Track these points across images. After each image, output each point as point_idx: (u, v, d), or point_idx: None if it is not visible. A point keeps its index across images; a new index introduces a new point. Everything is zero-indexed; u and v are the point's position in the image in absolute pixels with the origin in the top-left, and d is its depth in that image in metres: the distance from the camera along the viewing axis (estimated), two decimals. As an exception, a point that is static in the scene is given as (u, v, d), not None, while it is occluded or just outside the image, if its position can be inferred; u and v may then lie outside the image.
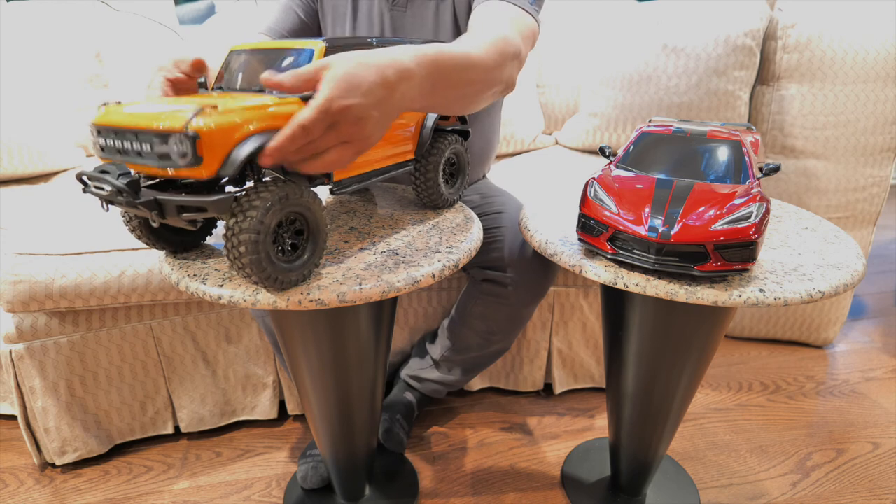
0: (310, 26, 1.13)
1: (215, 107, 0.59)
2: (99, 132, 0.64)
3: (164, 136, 0.58)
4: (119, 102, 0.68)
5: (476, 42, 0.76)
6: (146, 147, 0.59)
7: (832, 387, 1.48)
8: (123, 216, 0.74)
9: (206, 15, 2.11)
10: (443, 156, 0.88)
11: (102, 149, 0.64)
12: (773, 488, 1.17)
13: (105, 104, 0.67)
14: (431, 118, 0.86)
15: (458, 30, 1.09)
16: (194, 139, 0.57)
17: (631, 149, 0.84)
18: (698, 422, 1.36)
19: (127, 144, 0.61)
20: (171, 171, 0.59)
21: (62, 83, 1.56)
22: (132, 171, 0.63)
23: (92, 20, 1.59)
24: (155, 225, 0.69)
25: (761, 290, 0.68)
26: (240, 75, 0.75)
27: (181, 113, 0.58)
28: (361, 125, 0.60)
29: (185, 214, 0.61)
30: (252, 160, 0.67)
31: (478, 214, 1.08)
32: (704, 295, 0.68)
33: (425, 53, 0.66)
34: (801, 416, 1.38)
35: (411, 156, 0.87)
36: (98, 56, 1.59)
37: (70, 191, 1.40)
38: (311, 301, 0.66)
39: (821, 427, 1.34)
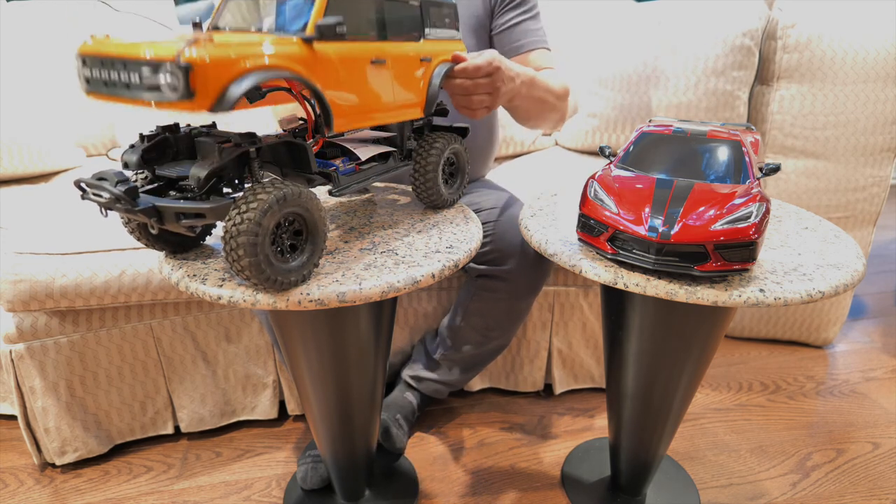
0: None
1: (210, 39, 0.55)
2: (84, 62, 0.60)
3: (155, 65, 0.54)
4: (107, 36, 0.64)
5: (556, 80, 1.11)
6: (134, 78, 0.56)
7: (832, 387, 1.48)
8: (122, 218, 0.74)
9: (206, 15, 2.11)
10: (442, 156, 0.88)
11: (87, 81, 0.61)
12: (773, 488, 1.17)
13: (92, 36, 0.63)
14: (437, 77, 0.85)
15: (461, 29, 1.11)
16: (186, 70, 0.53)
17: (631, 149, 0.84)
18: (698, 422, 1.36)
19: (114, 75, 0.58)
20: (154, 104, 0.56)
21: (62, 83, 1.56)
22: (130, 178, 0.63)
23: (92, 20, 1.59)
24: (154, 231, 0.69)
25: (761, 290, 0.68)
26: (237, 16, 0.72)
27: (174, 43, 0.55)
28: (500, 85, 0.90)
29: (183, 220, 0.61)
30: (246, 159, 0.66)
31: (472, 210, 1.09)
32: (704, 295, 0.68)
33: (528, 72, 1.00)
34: (801, 416, 1.38)
35: (420, 114, 0.85)
36: (98, 56, 1.59)
37: (70, 191, 1.40)
38: (311, 301, 0.66)
39: (821, 427, 1.34)
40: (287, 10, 0.68)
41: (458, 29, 0.91)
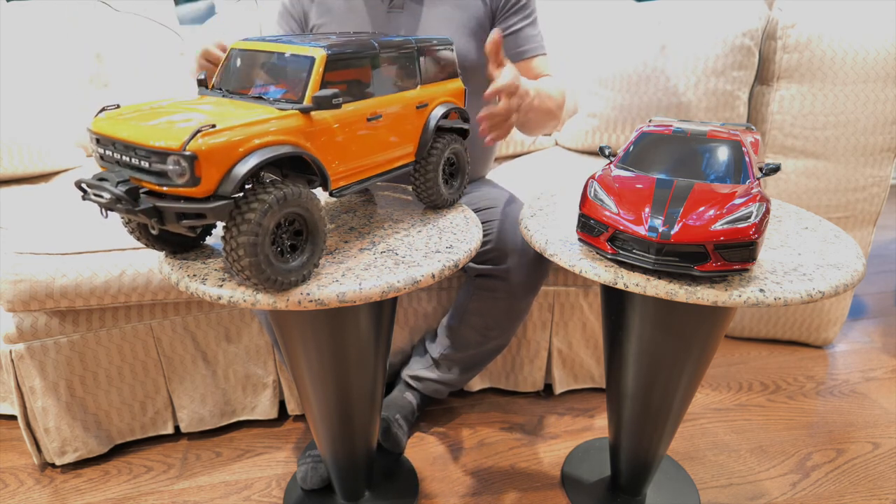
0: None
1: (213, 125, 0.59)
2: (98, 141, 0.64)
3: (162, 154, 0.58)
4: (118, 106, 0.68)
5: (555, 88, 1.14)
6: (144, 163, 0.60)
7: (832, 387, 1.48)
8: (122, 218, 0.74)
9: (207, 15, 2.11)
10: (442, 156, 0.88)
11: (102, 157, 0.65)
12: (773, 488, 1.17)
13: (104, 109, 0.67)
14: (434, 119, 0.86)
15: (461, 32, 1.11)
16: (192, 160, 0.57)
17: (631, 149, 0.85)
18: (698, 422, 1.36)
19: (126, 158, 0.61)
20: (167, 189, 0.60)
21: (62, 83, 1.56)
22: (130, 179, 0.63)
23: (92, 20, 1.59)
24: (154, 232, 0.70)
25: (761, 290, 0.68)
26: (239, 76, 0.75)
27: (179, 131, 0.58)
28: (520, 101, 0.88)
29: (184, 221, 0.61)
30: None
31: (472, 209, 1.09)
32: (704, 295, 0.68)
33: (535, 84, 1.02)
34: (801, 416, 1.38)
35: (412, 158, 0.86)
36: (98, 56, 1.59)
37: (70, 191, 1.40)
38: (311, 301, 0.66)
39: (821, 427, 1.34)
40: (286, 73, 0.71)
41: (456, 66, 0.92)
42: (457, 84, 0.92)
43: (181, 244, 0.77)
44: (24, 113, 1.45)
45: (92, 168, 1.56)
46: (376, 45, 0.77)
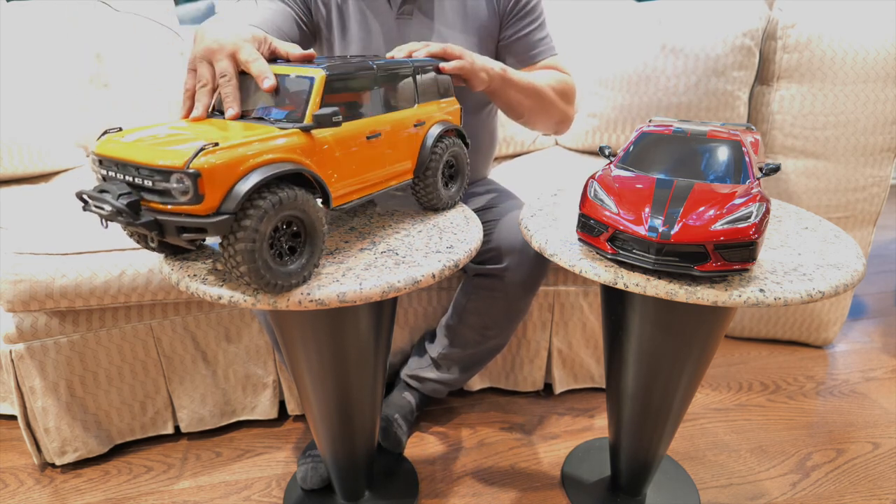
0: (306, 34, 1.13)
1: (216, 144, 0.59)
2: (101, 162, 0.64)
3: (166, 173, 0.58)
4: (120, 129, 0.68)
5: (554, 77, 1.10)
6: (147, 182, 0.60)
7: (832, 387, 1.48)
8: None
9: (207, 15, 2.11)
10: (442, 159, 0.88)
11: (104, 178, 0.65)
12: (773, 488, 1.17)
13: (107, 132, 0.67)
14: (431, 138, 0.87)
15: (469, 38, 1.11)
16: (195, 177, 0.57)
17: (631, 149, 0.85)
18: (698, 422, 1.36)
19: (129, 177, 0.62)
20: (170, 207, 0.60)
21: (62, 83, 1.56)
22: (132, 191, 0.63)
23: (92, 20, 1.59)
24: (153, 244, 0.70)
25: (761, 290, 0.68)
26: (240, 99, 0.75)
27: (183, 150, 0.59)
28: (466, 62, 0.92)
29: (185, 235, 0.61)
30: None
31: (471, 209, 1.09)
32: (704, 295, 0.68)
33: (502, 65, 0.99)
34: (801, 416, 1.38)
35: (410, 175, 0.87)
36: (98, 56, 1.59)
37: (70, 191, 1.40)
38: (311, 301, 0.66)
39: (821, 427, 1.34)
40: (287, 94, 0.71)
41: (451, 86, 0.93)
42: (452, 103, 0.93)
43: (180, 248, 0.77)
44: (24, 113, 1.45)
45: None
46: (374, 66, 0.77)
